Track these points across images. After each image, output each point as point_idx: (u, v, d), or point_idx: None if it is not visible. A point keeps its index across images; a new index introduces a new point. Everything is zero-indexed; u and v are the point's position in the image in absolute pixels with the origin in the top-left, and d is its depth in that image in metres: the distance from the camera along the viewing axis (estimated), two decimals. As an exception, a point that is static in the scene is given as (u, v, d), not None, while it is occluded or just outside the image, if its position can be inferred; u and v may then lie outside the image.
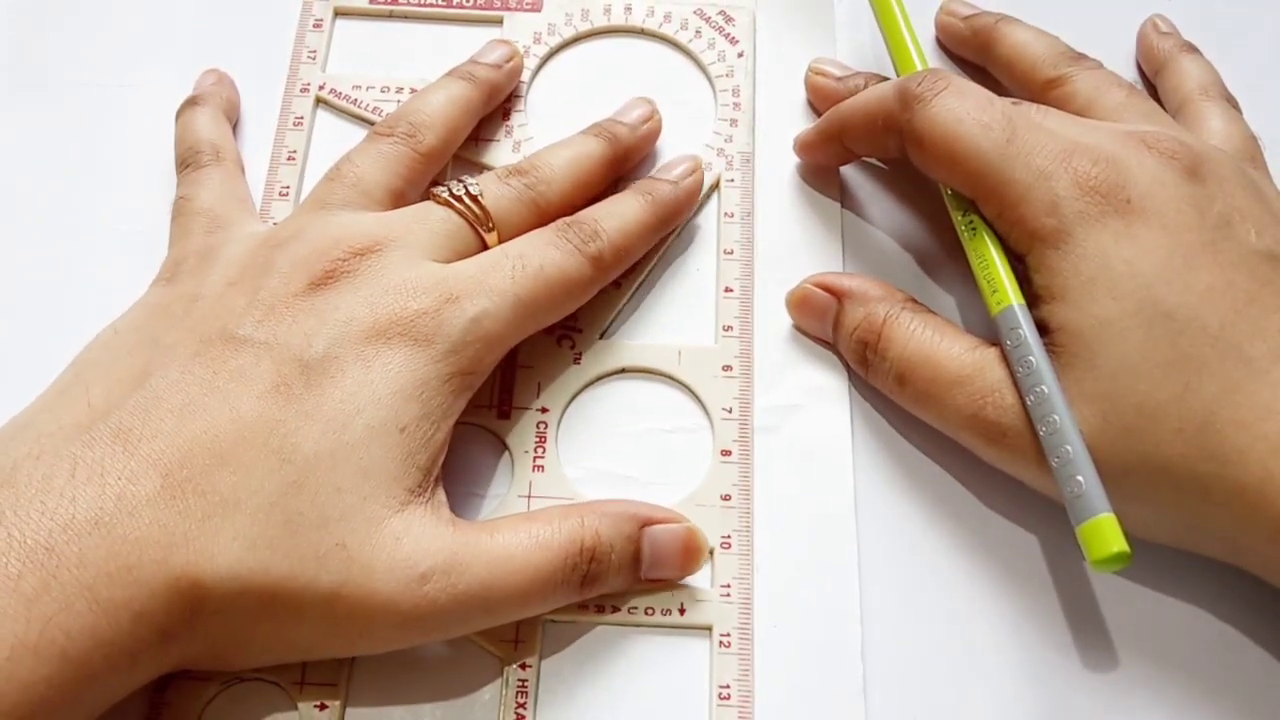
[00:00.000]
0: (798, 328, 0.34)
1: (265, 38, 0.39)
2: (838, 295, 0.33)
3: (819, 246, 0.35)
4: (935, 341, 0.31)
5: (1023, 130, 0.30)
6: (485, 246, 0.31)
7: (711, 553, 0.31)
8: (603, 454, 0.33)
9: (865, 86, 0.35)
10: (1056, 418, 0.28)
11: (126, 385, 0.27)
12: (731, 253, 0.35)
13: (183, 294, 0.30)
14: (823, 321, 0.33)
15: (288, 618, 0.26)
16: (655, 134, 0.36)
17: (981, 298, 0.31)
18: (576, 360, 0.33)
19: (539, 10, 0.39)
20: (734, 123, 0.37)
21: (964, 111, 0.30)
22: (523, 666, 0.29)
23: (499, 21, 0.39)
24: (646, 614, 0.30)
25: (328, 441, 0.26)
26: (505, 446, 0.32)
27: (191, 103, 0.36)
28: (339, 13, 0.39)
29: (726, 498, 0.32)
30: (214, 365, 0.27)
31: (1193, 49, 0.37)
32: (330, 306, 0.28)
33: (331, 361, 0.27)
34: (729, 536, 0.31)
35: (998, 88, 0.34)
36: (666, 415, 0.33)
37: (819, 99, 0.37)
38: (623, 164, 0.35)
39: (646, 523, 0.29)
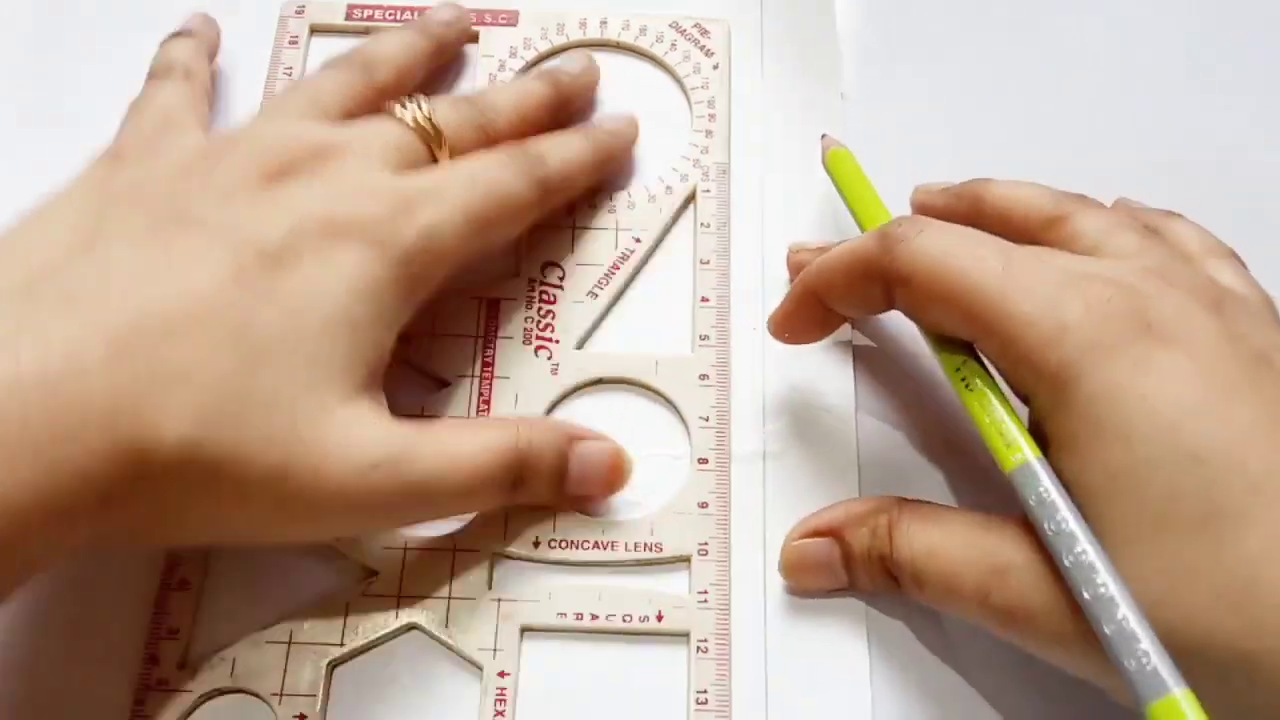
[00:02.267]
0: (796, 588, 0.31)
1: (240, 54, 0.39)
2: (832, 533, 0.30)
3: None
4: (937, 531, 0.28)
5: (1020, 259, 0.27)
6: (435, 164, 0.32)
7: (689, 560, 0.31)
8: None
9: None
10: (1103, 582, 0.24)
11: (71, 252, 0.26)
12: (708, 263, 0.35)
13: (131, 176, 0.29)
14: (830, 570, 0.30)
15: (232, 495, 0.26)
16: (594, 82, 0.38)
17: (992, 454, 0.27)
18: (554, 371, 0.33)
19: (514, 25, 0.40)
20: (709, 134, 0.38)
21: (953, 245, 0.27)
22: (501, 675, 0.29)
23: (475, 38, 0.39)
24: (624, 620, 0.30)
25: (282, 327, 0.26)
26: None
27: (177, 34, 0.36)
28: (315, 30, 0.40)
29: (704, 505, 0.32)
30: (166, 244, 0.26)
31: (1179, 215, 0.32)
32: (287, 197, 0.28)
33: (289, 251, 0.27)
34: (706, 543, 0.31)
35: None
36: (643, 425, 0.33)
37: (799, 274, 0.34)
38: (565, 108, 0.36)
39: (575, 438, 0.31)
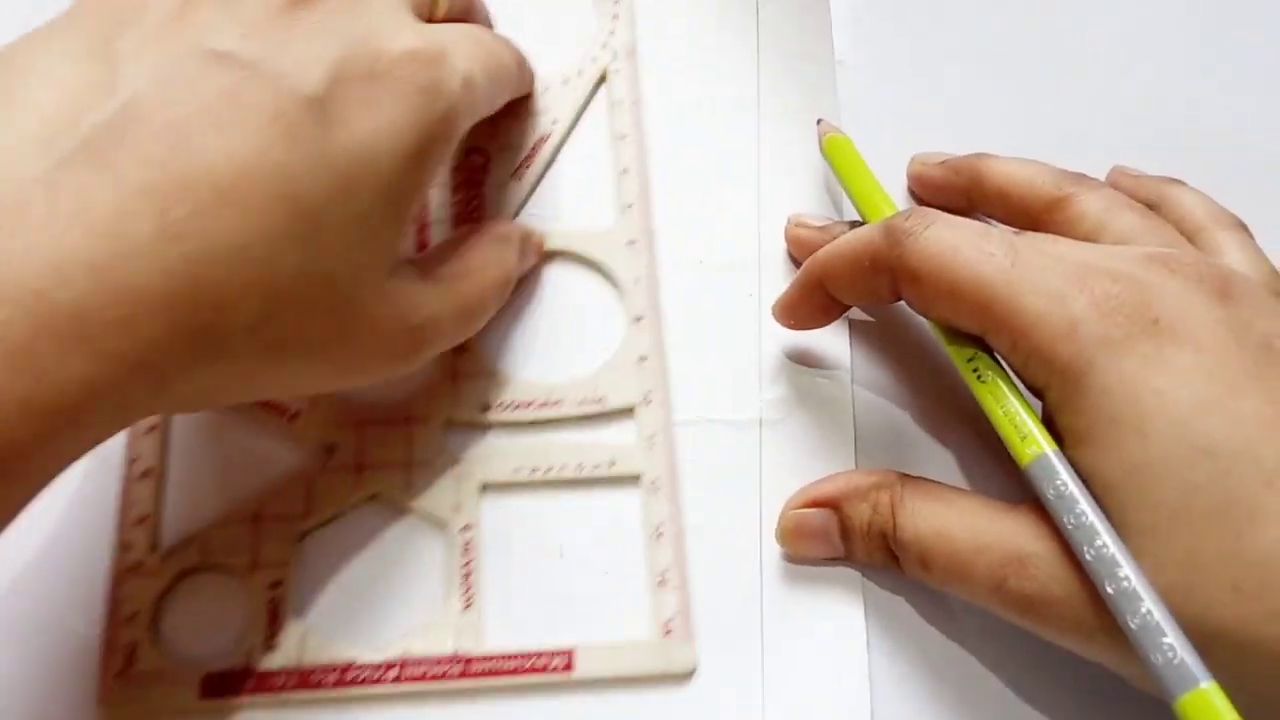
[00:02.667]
0: (792, 558, 0.31)
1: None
2: (831, 504, 0.30)
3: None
4: (944, 513, 0.28)
5: (1027, 253, 0.27)
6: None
7: (633, 410, 0.33)
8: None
9: None
10: (1125, 575, 0.24)
11: (89, 94, 0.23)
12: (625, 137, 0.37)
13: (130, 2, 0.26)
14: (827, 540, 0.30)
15: (295, 365, 0.25)
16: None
17: (1006, 445, 0.27)
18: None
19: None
20: (615, 17, 0.39)
21: (960, 240, 0.27)
22: (465, 529, 0.31)
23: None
24: (578, 469, 0.31)
25: (336, 195, 0.24)
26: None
27: None
28: None
29: (643, 358, 0.33)
30: (194, 82, 0.23)
31: (1182, 182, 0.33)
32: (319, 28, 0.26)
33: (336, 102, 0.25)
34: (650, 393, 0.33)
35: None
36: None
37: (800, 252, 0.34)
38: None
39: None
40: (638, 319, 0.34)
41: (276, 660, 0.29)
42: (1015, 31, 0.40)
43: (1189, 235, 0.31)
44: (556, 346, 0.34)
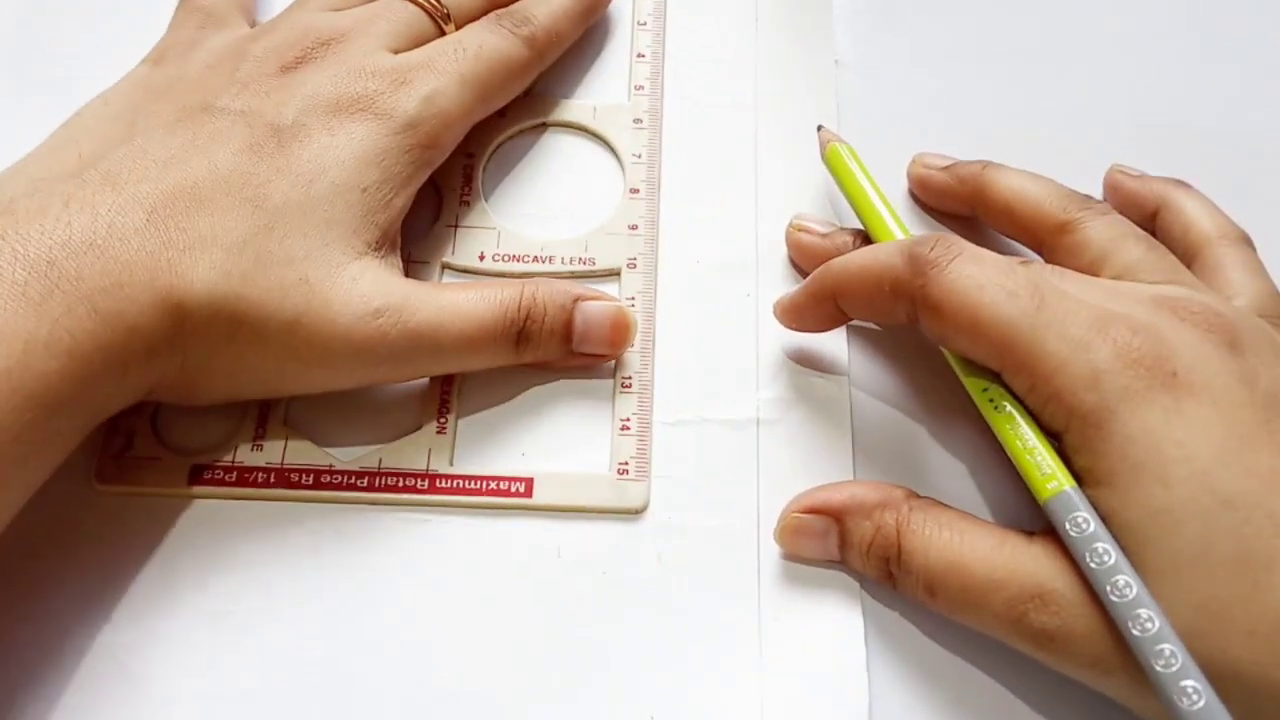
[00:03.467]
0: (793, 556, 0.31)
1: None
2: (834, 515, 0.30)
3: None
4: (958, 544, 0.28)
5: (1051, 297, 0.27)
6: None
7: (619, 272, 0.34)
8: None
9: (853, 244, 0.33)
10: (1148, 615, 0.25)
11: (113, 142, 0.30)
12: (645, 24, 0.39)
13: (166, 74, 0.33)
14: (824, 545, 0.30)
15: (253, 342, 0.29)
16: None
17: (1024, 477, 0.28)
18: (501, 114, 0.36)
19: None
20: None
21: (985, 278, 0.28)
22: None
23: None
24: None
25: (295, 194, 0.29)
26: (434, 185, 0.35)
27: None
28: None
29: (634, 227, 0.35)
30: (194, 129, 0.30)
31: (1186, 185, 0.34)
32: (298, 83, 0.31)
33: (300, 128, 0.30)
34: (635, 259, 0.34)
35: (985, 240, 0.34)
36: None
37: (803, 258, 0.35)
38: None
39: (581, 298, 0.32)
40: (633, 191, 0.36)
41: (260, 460, 0.31)
42: (1014, 31, 0.40)
43: (1192, 250, 0.32)
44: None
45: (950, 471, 0.32)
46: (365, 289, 0.29)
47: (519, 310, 0.31)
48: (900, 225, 0.32)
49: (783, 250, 0.35)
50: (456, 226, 0.35)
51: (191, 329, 0.28)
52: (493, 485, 0.31)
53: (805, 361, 0.33)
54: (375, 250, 0.31)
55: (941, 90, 0.39)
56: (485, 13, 0.36)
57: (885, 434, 0.33)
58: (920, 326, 0.29)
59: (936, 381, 0.33)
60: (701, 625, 0.30)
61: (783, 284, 0.34)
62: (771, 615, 0.30)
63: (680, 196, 0.36)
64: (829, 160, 0.35)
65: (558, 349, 0.32)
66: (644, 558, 0.31)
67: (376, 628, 0.29)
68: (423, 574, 0.30)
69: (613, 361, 0.33)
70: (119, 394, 0.28)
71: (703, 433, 0.32)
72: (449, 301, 0.30)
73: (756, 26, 0.40)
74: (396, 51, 0.33)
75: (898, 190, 0.36)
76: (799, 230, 0.35)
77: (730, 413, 0.33)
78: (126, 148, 0.29)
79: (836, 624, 0.30)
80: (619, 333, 0.32)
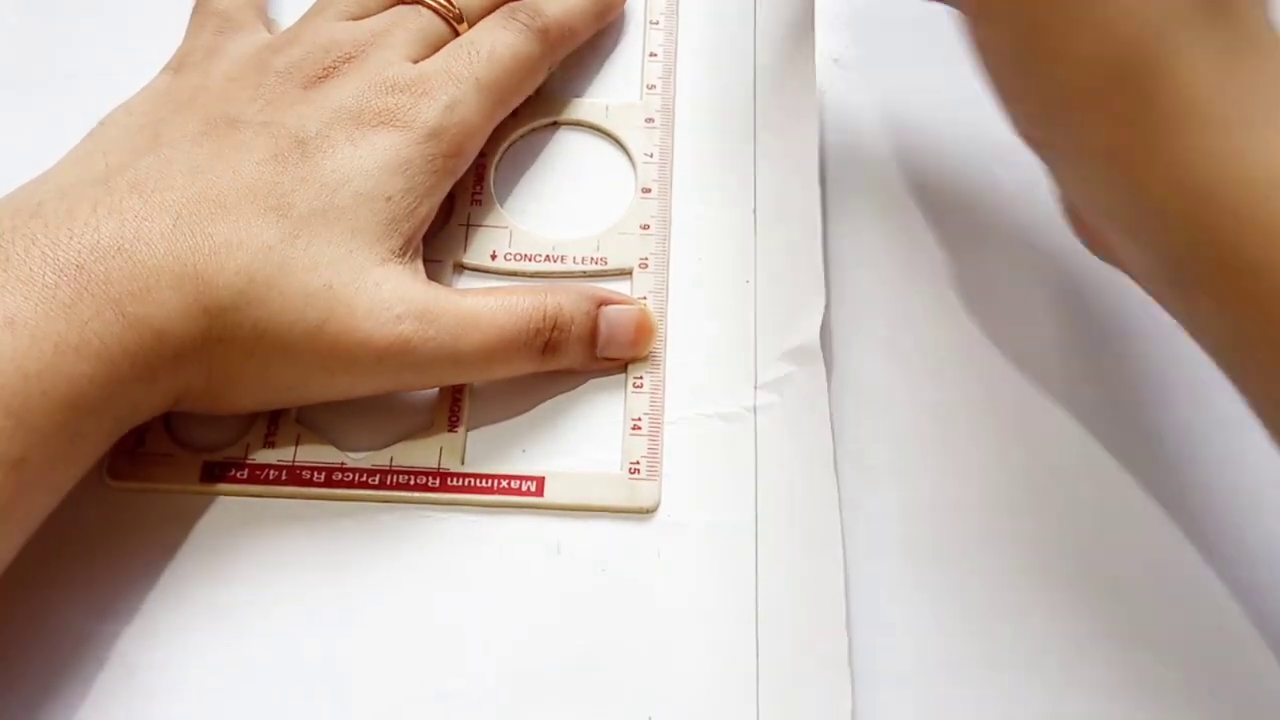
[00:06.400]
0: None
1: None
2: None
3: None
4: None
5: None
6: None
7: (630, 272, 0.34)
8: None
9: None
10: None
11: (139, 151, 0.30)
12: (657, 23, 0.39)
13: (188, 83, 0.33)
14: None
15: (278, 348, 0.29)
16: None
17: None
18: (514, 114, 0.36)
19: None
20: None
21: None
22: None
23: None
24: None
25: (320, 202, 0.30)
26: (447, 185, 0.35)
27: None
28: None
29: (645, 227, 0.35)
30: (219, 141, 0.30)
31: None
32: (322, 98, 0.32)
33: (324, 139, 0.31)
34: (647, 259, 0.35)
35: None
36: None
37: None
38: None
39: (604, 303, 0.32)
40: (645, 190, 0.36)
41: (272, 457, 0.31)
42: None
43: None
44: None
45: (949, 465, 0.32)
46: (388, 295, 0.30)
47: (544, 320, 0.31)
48: None
49: (781, 241, 0.35)
50: (469, 225, 0.35)
51: (218, 335, 0.28)
52: (504, 484, 0.31)
53: (798, 351, 0.33)
54: (399, 257, 0.31)
55: (941, 90, 0.38)
56: (497, 7, 0.36)
57: (874, 423, 0.33)
58: None
59: (928, 370, 0.33)
60: (699, 624, 0.30)
61: (783, 279, 0.34)
62: (769, 613, 0.30)
63: (691, 196, 0.36)
64: None
65: (583, 356, 0.32)
66: (644, 556, 0.31)
67: (383, 625, 0.29)
68: (430, 572, 0.30)
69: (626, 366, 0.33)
70: (146, 401, 0.28)
71: (700, 429, 0.32)
72: (471, 309, 0.30)
73: (756, 30, 0.40)
74: (415, 59, 0.33)
75: (898, 190, 0.36)
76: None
77: (726, 406, 0.33)
78: (153, 157, 0.30)
79: (829, 623, 0.29)
80: (642, 335, 0.33)
